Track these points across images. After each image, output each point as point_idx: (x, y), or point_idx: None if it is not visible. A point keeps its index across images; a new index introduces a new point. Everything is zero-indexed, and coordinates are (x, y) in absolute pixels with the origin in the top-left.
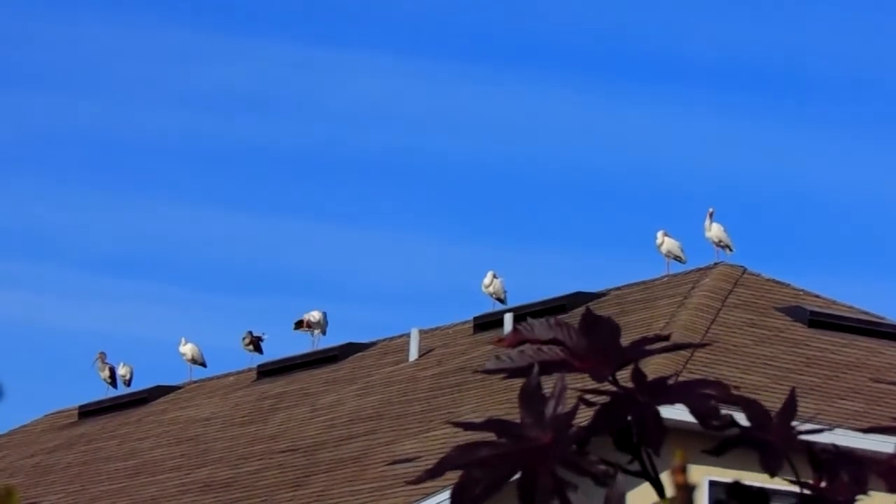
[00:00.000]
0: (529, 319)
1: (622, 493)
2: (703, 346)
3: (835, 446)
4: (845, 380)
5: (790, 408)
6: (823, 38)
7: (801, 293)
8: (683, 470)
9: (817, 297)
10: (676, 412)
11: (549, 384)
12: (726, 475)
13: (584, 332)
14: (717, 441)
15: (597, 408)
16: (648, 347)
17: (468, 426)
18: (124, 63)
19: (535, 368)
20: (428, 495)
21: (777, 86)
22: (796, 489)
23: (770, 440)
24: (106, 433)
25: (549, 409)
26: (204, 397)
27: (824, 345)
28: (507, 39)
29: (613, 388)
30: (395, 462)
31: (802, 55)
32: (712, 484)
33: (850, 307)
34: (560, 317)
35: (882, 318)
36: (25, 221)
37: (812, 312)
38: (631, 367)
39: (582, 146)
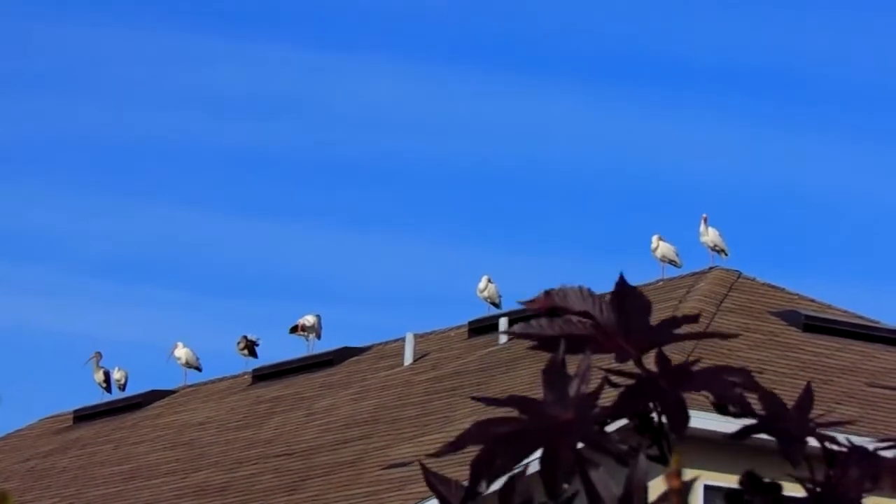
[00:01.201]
0: (563, 285)
1: (644, 473)
2: (733, 336)
3: (849, 441)
4: (840, 384)
5: (807, 400)
6: (815, 42)
7: (796, 297)
8: (678, 474)
9: (812, 301)
10: None
11: (572, 362)
12: (721, 480)
13: (615, 305)
14: (720, 441)
15: (621, 390)
16: (677, 331)
17: (490, 401)
18: (120, 66)
19: (562, 344)
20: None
21: (771, 90)
22: (796, 494)
23: (789, 430)
24: (101, 437)
25: (572, 388)
26: (199, 402)
27: (819, 349)
28: (504, 43)
29: (638, 371)
30: (390, 466)
31: (795, 59)
32: (707, 488)
33: (845, 311)
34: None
35: (876, 323)
36: (21, 224)
37: (807, 317)
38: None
39: (577, 150)
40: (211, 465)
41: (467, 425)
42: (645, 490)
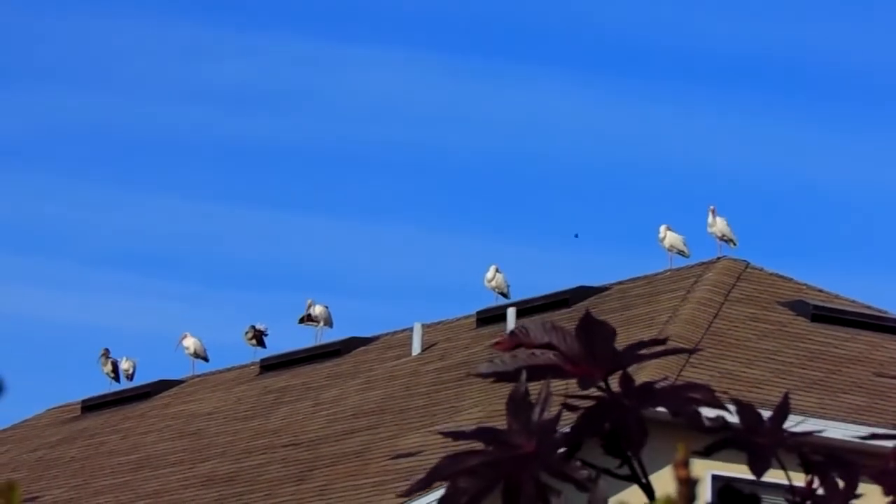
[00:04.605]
0: (525, 322)
1: (604, 498)
2: (693, 351)
3: (826, 448)
4: (848, 374)
5: (783, 411)
6: (824, 33)
7: (804, 287)
8: (686, 464)
9: (820, 291)
10: None
11: (537, 390)
12: (729, 469)
13: (580, 335)
14: (708, 442)
15: (580, 412)
16: (643, 352)
17: (459, 435)
18: (131, 58)
19: (523, 375)
20: (429, 490)
21: (781, 81)
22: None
23: (759, 442)
24: (109, 427)
25: (534, 415)
26: (207, 392)
27: (827, 339)
28: (511, 35)
29: (599, 393)
30: (397, 456)
31: (805, 50)
32: (715, 478)
33: (853, 301)
34: (563, 311)
35: (885, 313)
36: (29, 216)
37: (815, 307)
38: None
39: (585, 141)
40: (218, 455)
41: (476, 414)
42: None
